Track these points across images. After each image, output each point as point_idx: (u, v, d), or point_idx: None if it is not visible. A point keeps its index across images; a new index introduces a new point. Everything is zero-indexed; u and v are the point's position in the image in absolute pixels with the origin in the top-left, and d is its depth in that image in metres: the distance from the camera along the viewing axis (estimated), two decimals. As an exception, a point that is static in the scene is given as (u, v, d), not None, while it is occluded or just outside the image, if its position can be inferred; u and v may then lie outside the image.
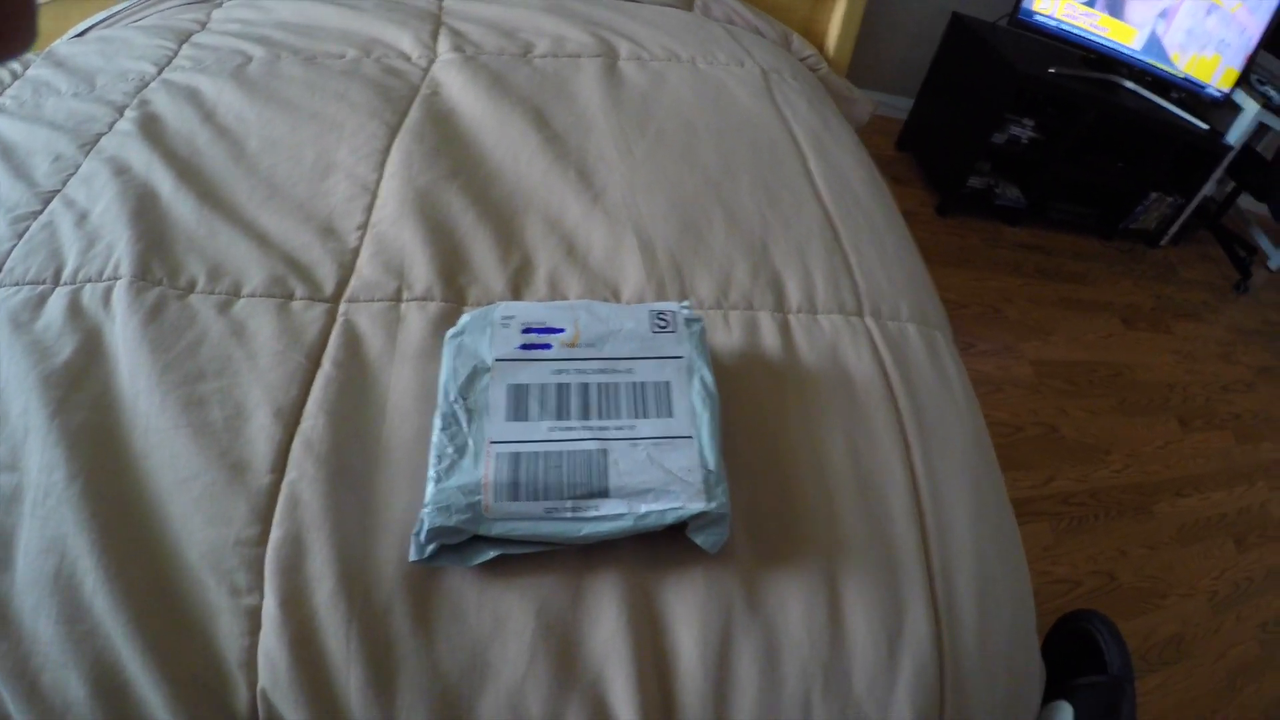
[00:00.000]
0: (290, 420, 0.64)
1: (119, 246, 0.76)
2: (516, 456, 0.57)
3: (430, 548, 0.54)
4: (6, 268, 0.74)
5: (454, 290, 0.78)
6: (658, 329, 0.67)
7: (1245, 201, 3.24)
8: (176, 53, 1.12)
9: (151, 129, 0.93)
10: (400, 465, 0.62)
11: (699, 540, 0.57)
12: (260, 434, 0.62)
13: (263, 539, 0.57)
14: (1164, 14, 2.33)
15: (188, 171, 0.87)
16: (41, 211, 0.81)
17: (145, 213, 0.81)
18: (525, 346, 0.63)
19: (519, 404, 0.60)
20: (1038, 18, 2.29)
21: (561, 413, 0.60)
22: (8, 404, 0.63)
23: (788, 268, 0.88)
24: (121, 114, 0.97)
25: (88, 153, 0.89)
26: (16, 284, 0.73)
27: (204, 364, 0.67)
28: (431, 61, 1.16)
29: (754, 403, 0.71)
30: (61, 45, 1.19)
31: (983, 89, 2.39)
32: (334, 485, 0.60)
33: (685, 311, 0.69)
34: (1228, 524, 1.87)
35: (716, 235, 0.90)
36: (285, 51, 1.12)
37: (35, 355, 0.65)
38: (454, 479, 0.56)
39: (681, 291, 0.83)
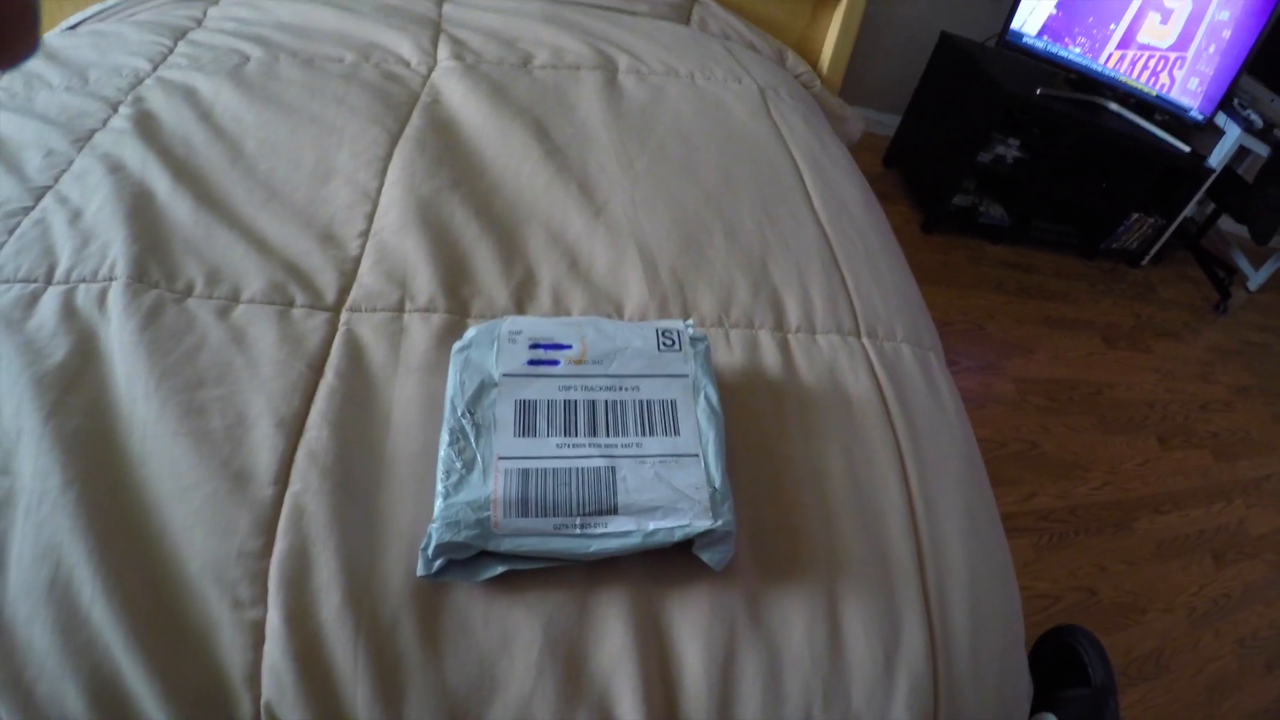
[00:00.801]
0: (293, 431, 0.63)
1: (114, 247, 0.74)
2: (526, 473, 0.57)
3: (438, 563, 0.54)
4: None
5: (457, 302, 0.78)
6: (664, 347, 0.67)
7: (1225, 223, 3.31)
8: (172, 50, 1.11)
9: (147, 126, 0.92)
10: (405, 479, 0.62)
11: (705, 557, 0.57)
12: (263, 444, 0.62)
13: (266, 551, 0.56)
14: (1149, 35, 2.38)
15: (184, 171, 0.86)
16: (33, 207, 0.79)
17: (141, 212, 0.79)
18: (533, 362, 0.64)
19: (527, 420, 0.60)
20: (1026, 39, 2.33)
21: (569, 429, 0.60)
22: None
23: (787, 287, 0.89)
24: (116, 110, 0.95)
25: (81, 148, 0.88)
26: (7, 281, 0.71)
27: (203, 370, 0.66)
28: (431, 69, 1.16)
29: (756, 421, 0.72)
30: (53, 38, 1.17)
31: (970, 108, 2.43)
32: (339, 498, 0.59)
33: (690, 330, 0.70)
34: (1206, 540, 1.91)
35: (717, 252, 0.91)
36: (283, 53, 1.11)
37: (28, 356, 0.64)
38: (462, 494, 0.56)
39: (684, 308, 0.83)
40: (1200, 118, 2.51)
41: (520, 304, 0.80)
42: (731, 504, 0.59)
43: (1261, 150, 2.65)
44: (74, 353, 0.65)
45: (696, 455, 0.61)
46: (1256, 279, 3.26)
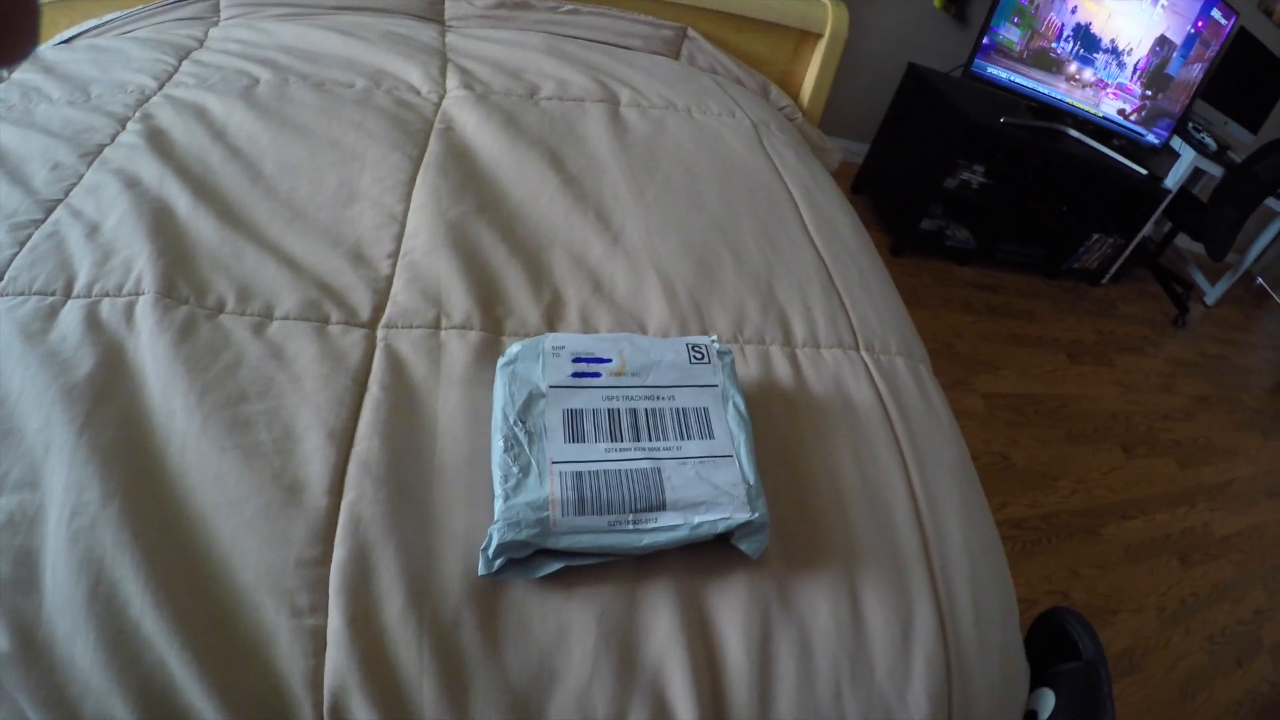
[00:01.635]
0: (344, 442, 0.65)
1: (139, 261, 0.75)
2: (579, 475, 0.61)
3: (498, 562, 0.57)
4: (9, 276, 0.71)
5: (492, 320, 0.81)
6: (694, 360, 0.73)
7: (1182, 241, 3.46)
8: (177, 68, 1.11)
9: (160, 143, 0.92)
10: (457, 485, 0.64)
11: (744, 547, 0.62)
12: (314, 455, 0.63)
13: (325, 559, 0.57)
14: (1106, 67, 2.51)
15: (203, 189, 0.86)
16: (44, 220, 0.79)
17: (163, 228, 0.79)
18: (576, 375, 0.68)
19: (575, 427, 0.65)
20: (990, 70, 2.45)
21: (615, 435, 0.65)
22: (22, 418, 0.60)
23: (792, 306, 0.95)
24: (124, 126, 0.95)
25: (90, 163, 0.88)
26: (22, 294, 0.70)
27: (245, 385, 0.66)
28: (442, 97, 1.19)
29: (773, 427, 0.78)
30: (49, 50, 1.16)
31: (936, 136, 2.52)
32: (394, 505, 0.61)
33: (716, 345, 0.75)
34: (1172, 543, 1.99)
35: (727, 275, 0.96)
36: (293, 76, 1.12)
37: (54, 368, 0.63)
38: (521, 496, 0.60)
39: (702, 327, 0.88)
40: (1156, 142, 2.65)
41: (551, 323, 0.84)
42: (764, 499, 0.64)
43: (1215, 171, 2.80)
44: (102, 365, 0.65)
45: (730, 456, 0.66)
46: (1213, 294, 3.41)
